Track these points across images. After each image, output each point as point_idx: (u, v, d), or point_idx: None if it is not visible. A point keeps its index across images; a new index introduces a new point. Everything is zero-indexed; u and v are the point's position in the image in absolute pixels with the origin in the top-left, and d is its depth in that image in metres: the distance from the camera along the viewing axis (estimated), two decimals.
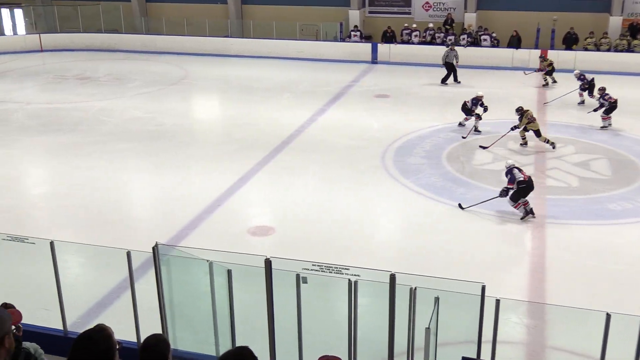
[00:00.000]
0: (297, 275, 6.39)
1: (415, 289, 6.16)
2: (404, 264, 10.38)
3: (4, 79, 25.37)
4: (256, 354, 3.43)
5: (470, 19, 28.35)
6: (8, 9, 33.03)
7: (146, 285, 7.85)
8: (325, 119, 19.03)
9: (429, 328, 5.73)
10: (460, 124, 17.99)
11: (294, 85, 23.76)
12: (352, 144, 16.76)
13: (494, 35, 27.11)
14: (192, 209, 12.96)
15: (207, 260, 6.90)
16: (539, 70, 23.26)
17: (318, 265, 6.34)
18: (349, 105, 20.90)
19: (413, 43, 27.63)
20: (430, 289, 6.20)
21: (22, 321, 6.99)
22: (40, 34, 31.28)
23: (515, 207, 12.42)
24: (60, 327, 7.91)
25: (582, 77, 20.23)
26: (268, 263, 6.45)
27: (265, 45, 28.90)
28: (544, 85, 22.92)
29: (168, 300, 7.18)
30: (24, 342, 6.51)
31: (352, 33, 28.56)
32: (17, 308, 6.76)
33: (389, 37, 27.87)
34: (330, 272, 6.36)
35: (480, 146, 16.53)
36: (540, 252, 11.28)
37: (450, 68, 23.29)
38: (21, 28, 33.39)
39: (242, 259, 7.01)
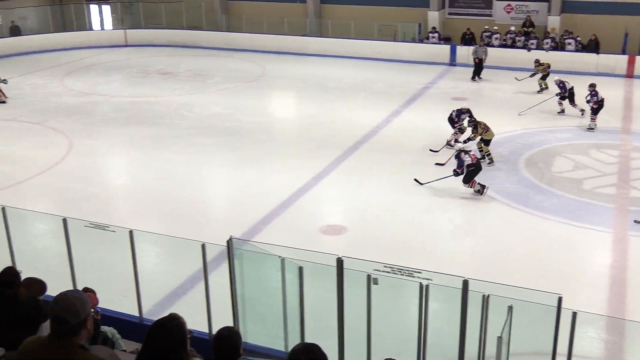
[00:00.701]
0: (368, 276, 6.37)
1: (489, 296, 6.04)
2: (477, 270, 10.19)
3: (91, 72, 26.36)
4: (325, 352, 3.44)
5: (554, 22, 27.59)
6: (97, 5, 34.32)
7: (219, 278, 8.00)
8: (400, 121, 18.94)
9: (501, 337, 5.61)
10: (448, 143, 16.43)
11: (370, 85, 23.71)
12: (426, 147, 16.58)
13: (578, 39, 26.27)
14: (266, 205, 13.12)
15: (279, 257, 6.97)
16: (534, 75, 22.32)
17: (390, 267, 6.31)
18: (425, 108, 20.70)
19: (493, 46, 27.09)
20: (504, 297, 6.07)
21: (102, 306, 7.25)
22: (126, 30, 32.34)
23: (470, 187, 13.49)
24: (137, 314, 8.15)
25: (561, 84, 19.24)
26: (340, 262, 6.46)
27: (343, 44, 28.95)
28: (539, 92, 21.85)
29: (240, 293, 7.29)
30: (102, 326, 6.77)
31: (430, 34, 28.26)
32: (96, 293, 7.02)
33: (468, 39, 27.43)
34: (401, 274, 6.32)
35: (431, 150, 16.16)
36: (621, 265, 10.86)
37: (479, 64, 23.97)
38: (108, 24, 34.65)
39: (314, 257, 7.04)
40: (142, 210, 13.21)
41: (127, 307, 8.26)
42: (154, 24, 32.58)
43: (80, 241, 8.60)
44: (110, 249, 9.84)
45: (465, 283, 6.03)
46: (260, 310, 7.85)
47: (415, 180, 13.94)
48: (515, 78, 23.15)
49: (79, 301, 3.20)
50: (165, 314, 3.86)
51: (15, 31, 31.18)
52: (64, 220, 8.25)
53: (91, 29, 33.30)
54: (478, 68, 24.24)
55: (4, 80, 21.89)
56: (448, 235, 12.36)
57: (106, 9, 34.51)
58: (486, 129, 15.57)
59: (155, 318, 3.84)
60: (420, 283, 6.23)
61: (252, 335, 7.50)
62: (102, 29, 34.07)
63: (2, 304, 5.83)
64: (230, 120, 19.36)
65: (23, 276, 6.21)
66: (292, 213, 12.95)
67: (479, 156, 14.49)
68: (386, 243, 11.49)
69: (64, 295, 3.20)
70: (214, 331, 4.29)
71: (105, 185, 14.81)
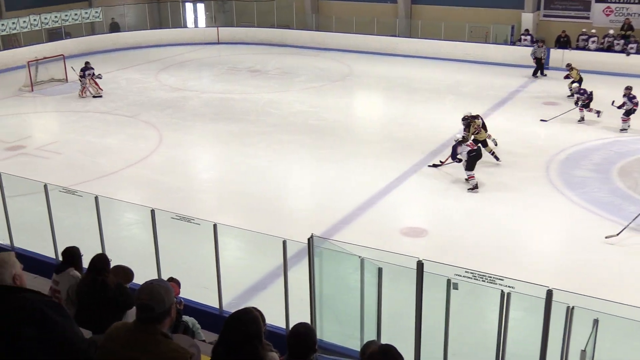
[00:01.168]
0: (448, 281, 6.28)
1: (573, 308, 5.84)
2: (561, 280, 9.85)
3: (183, 69, 27.16)
4: (401, 354, 3.42)
5: None
6: (192, 3, 35.34)
7: (298, 274, 8.08)
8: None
9: (584, 351, 5.41)
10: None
11: (459, 87, 23.32)
12: (515, 152, 16.17)
13: None
14: (348, 204, 13.15)
15: (359, 257, 6.97)
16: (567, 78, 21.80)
17: (471, 273, 6.20)
18: (515, 111, 20.18)
19: (589, 49, 26.12)
20: (589, 309, 5.85)
21: (184, 296, 7.46)
22: (218, 28, 33.14)
23: (468, 179, 13.87)
24: (217, 306, 8.35)
25: (581, 91, 18.66)
26: (420, 265, 6.40)
27: (432, 45, 28.61)
28: (569, 96, 21.00)
29: (318, 291, 7.34)
30: (183, 316, 6.96)
31: (523, 37, 27.52)
32: (179, 283, 7.22)
33: (562, 42, 26.55)
34: (483, 280, 6.19)
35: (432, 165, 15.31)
36: None
37: (538, 62, 24.69)
38: (202, 21, 35.61)
39: (394, 258, 7.01)
40: (226, 205, 13.50)
41: (208, 298, 8.48)
42: (246, 23, 33.22)
43: (166, 232, 8.88)
44: (194, 241, 10.12)
45: (549, 293, 5.85)
46: (337, 308, 7.88)
47: (434, 165, 14.91)
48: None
49: (164, 290, 3.30)
50: (244, 307, 3.93)
51: (114, 27, 32.56)
52: (152, 212, 8.54)
53: (185, 27, 34.30)
54: (538, 66, 24.79)
55: (99, 75, 22.89)
56: (533, 243, 12.01)
57: (200, 7, 35.49)
58: (478, 130, 15.35)
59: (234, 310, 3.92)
60: (502, 291, 6.09)
61: (328, 333, 7.54)
62: (196, 26, 35.05)
63: (92, 289, 6.10)
64: (315, 119, 19.51)
65: (112, 264, 6.48)
66: (373, 213, 12.92)
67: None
68: (467, 248, 11.29)
69: (150, 284, 3.31)
70: (291, 327, 4.33)
71: (191, 178, 15.23)
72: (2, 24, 27.53)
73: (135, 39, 31.77)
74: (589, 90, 18.69)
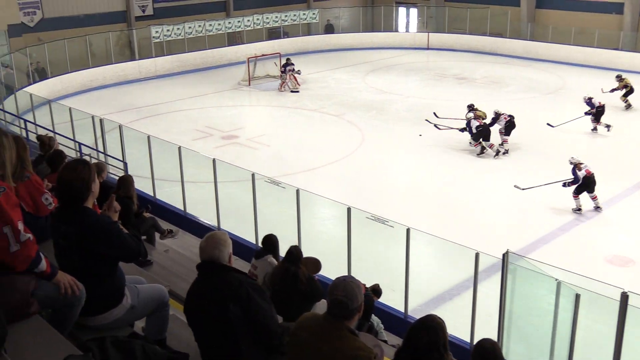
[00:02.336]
0: None
1: None
2: None
3: (391, 72, 27.51)
4: None
5: None
6: (405, 8, 35.66)
7: (487, 289, 7.85)
8: None
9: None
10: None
11: None
12: None
13: None
14: (548, 222, 12.53)
15: (556, 279, 6.60)
16: (614, 90, 20.99)
17: None
18: None
19: None
20: None
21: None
22: (429, 33, 33.10)
23: (475, 146, 16.17)
24: (402, 309, 8.36)
25: (589, 101, 18.53)
26: (624, 297, 5.92)
27: None
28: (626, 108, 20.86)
29: (508, 309, 7.07)
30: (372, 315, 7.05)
31: None
32: (369, 284, 7.30)
33: None
34: None
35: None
36: None
37: None
38: (413, 26, 35.79)
39: (594, 286, 6.56)
40: (420, 210, 13.45)
41: (393, 301, 8.51)
42: (457, 29, 32.86)
43: (359, 230, 9.05)
44: (385, 242, 10.22)
45: None
46: (526, 330, 7.54)
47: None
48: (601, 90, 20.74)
49: (357, 287, 3.36)
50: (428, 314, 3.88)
51: (329, 29, 33.81)
52: (348, 210, 8.75)
53: (397, 31, 34.70)
54: None
55: (298, 71, 24.08)
56: None
57: (413, 12, 35.71)
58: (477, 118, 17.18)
59: (418, 317, 3.89)
60: None
61: (514, 354, 7.24)
62: (407, 31, 35.31)
63: (284, 278, 6.39)
64: (519, 131, 18.76)
65: (304, 254, 6.73)
66: (575, 235, 12.18)
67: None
68: None
69: (343, 281, 3.38)
70: (475, 341, 4.22)
71: (389, 181, 15.36)
72: (229, 22, 29.75)
73: (347, 41, 32.78)
74: (602, 102, 18.43)
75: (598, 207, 13.27)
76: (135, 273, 5.10)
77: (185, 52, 28.10)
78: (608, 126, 18.43)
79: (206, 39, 28.69)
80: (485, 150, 16.69)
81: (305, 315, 3.54)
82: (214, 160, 10.99)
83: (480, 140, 16.70)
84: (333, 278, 3.54)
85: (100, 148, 13.99)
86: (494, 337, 7.04)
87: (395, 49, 32.22)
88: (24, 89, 21.01)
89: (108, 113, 18.98)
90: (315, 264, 6.78)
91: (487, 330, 6.83)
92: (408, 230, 8.04)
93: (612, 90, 20.99)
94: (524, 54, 29.88)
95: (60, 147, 11.05)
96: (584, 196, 13.18)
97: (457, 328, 7.28)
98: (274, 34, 31.93)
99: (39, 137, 9.25)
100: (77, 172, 3.74)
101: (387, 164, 16.63)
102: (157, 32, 27.06)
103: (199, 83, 25.78)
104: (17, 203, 3.60)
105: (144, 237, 8.42)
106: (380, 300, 8.02)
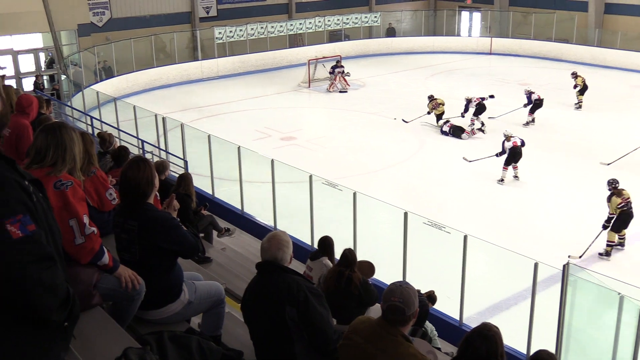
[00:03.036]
0: None
1: None
2: None
3: (452, 77, 27.22)
4: None
5: None
6: (468, 12, 35.23)
7: (546, 300, 7.69)
8: None
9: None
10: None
11: None
12: None
13: None
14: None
15: (618, 293, 6.41)
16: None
17: None
18: None
19: None
20: None
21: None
22: (492, 38, 32.60)
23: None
24: (457, 317, 8.25)
25: (528, 94, 19.80)
26: None
27: None
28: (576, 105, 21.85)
29: (567, 321, 6.90)
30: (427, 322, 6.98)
31: None
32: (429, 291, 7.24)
33: None
34: None
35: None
36: None
37: None
38: (476, 31, 35.33)
39: None
40: (478, 217, 13.25)
41: (448, 308, 8.41)
42: (521, 34, 32.27)
43: (416, 236, 8.98)
44: (442, 248, 10.10)
45: None
46: (585, 343, 7.35)
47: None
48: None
49: (413, 293, 3.34)
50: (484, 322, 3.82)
51: (390, 32, 33.68)
52: (405, 214, 8.69)
53: (459, 35, 34.33)
54: None
55: (348, 73, 24.41)
56: None
57: (476, 16, 35.25)
58: (436, 106, 19.58)
59: (474, 325, 3.83)
60: None
61: None
62: (469, 35, 34.89)
63: (338, 281, 6.39)
64: (580, 139, 18.31)
65: (359, 258, 6.72)
66: (638, 248, 11.79)
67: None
68: None
69: (399, 286, 3.36)
70: (532, 352, 4.13)
71: (447, 187, 15.19)
72: (291, 24, 29.99)
73: (408, 45, 32.62)
74: (541, 97, 19.52)
75: (516, 177, 15.28)
76: (193, 269, 5.20)
77: (247, 53, 28.46)
78: (528, 123, 19.80)
79: (268, 40, 28.97)
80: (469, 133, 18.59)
81: (359, 319, 3.54)
82: (272, 160, 11.09)
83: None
84: (388, 283, 3.52)
85: (162, 146, 14.31)
86: (552, 349, 6.88)
87: (456, 53, 31.87)
88: (91, 87, 21.68)
89: (171, 112, 19.39)
90: (369, 267, 6.76)
91: (544, 342, 6.68)
92: (465, 237, 7.94)
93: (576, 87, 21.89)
94: (590, 61, 29.10)
95: (124, 144, 11.37)
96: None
97: (513, 338, 7.14)
98: (335, 36, 32.01)
99: (99, 134, 9.56)
100: (140, 171, 3.86)
101: (445, 169, 16.44)
102: (220, 33, 27.48)
103: (259, 84, 26.07)
104: (83, 197, 3.72)
105: (201, 235, 8.57)
106: (435, 307, 7.94)
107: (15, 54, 22.98)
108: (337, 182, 10.74)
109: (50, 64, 24.26)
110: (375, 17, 32.70)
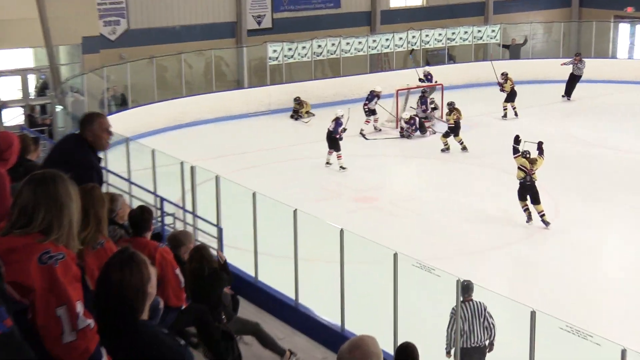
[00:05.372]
0: None
1: None
2: None
3: (602, 116, 26.94)
4: None
5: None
6: (629, 25, 34.46)
7: None
8: None
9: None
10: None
11: None
12: None
13: None
14: None
15: None
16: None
17: None
18: None
19: None
20: None
21: None
22: None
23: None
24: None
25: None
26: None
27: None
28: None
29: None
30: None
31: None
32: None
33: None
34: None
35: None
36: None
37: None
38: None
39: None
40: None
41: None
42: None
43: (547, 343, 8.83)
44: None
45: None
46: None
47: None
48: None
49: None
50: None
51: (513, 52, 32.86)
52: (533, 314, 8.57)
53: (614, 57, 33.80)
54: None
55: (436, 105, 25.85)
56: None
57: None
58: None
59: None
60: None
61: None
62: (630, 57, 34.29)
63: None
64: None
65: None
66: None
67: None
68: None
69: None
70: None
71: (595, 271, 14.93)
72: (374, 40, 30.06)
73: (539, 69, 31.95)
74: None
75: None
76: None
77: (311, 79, 28.78)
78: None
79: (341, 61, 29.24)
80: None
81: None
82: (341, 230, 11.04)
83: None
84: None
85: (189, 207, 14.38)
86: None
87: (610, 82, 31.22)
88: None
89: (203, 158, 19.66)
90: None
91: None
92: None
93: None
94: None
95: (135, 202, 11.52)
96: None
97: None
98: (435, 57, 31.99)
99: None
100: (126, 275, 3.56)
101: (594, 249, 16.13)
102: (275, 51, 27.84)
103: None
104: (78, 276, 3.68)
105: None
106: None
107: None
108: (432, 263, 10.65)
109: (42, 89, 24.37)
110: (493, 30, 32.53)
